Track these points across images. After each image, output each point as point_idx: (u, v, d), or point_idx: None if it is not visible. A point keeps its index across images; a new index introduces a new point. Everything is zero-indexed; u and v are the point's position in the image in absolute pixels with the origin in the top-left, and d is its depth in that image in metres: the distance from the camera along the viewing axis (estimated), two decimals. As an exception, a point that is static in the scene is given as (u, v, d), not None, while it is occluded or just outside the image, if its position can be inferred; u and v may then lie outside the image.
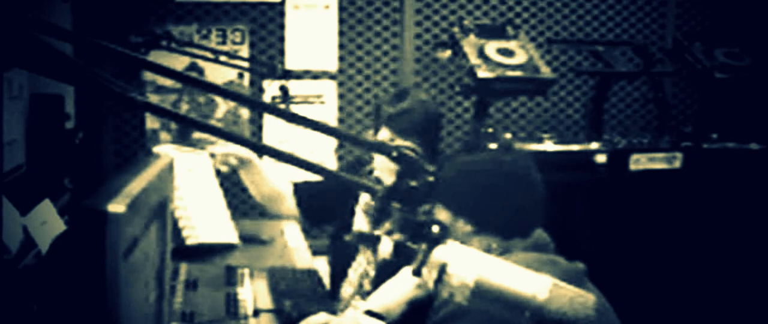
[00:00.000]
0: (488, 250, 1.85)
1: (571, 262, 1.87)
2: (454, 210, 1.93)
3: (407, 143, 2.51)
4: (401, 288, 2.26)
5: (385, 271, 2.37)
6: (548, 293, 1.14)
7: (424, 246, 1.15)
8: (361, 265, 2.61)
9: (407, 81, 4.15)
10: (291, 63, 4.04)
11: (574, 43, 4.38)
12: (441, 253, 1.14)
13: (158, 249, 1.45)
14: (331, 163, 4.12)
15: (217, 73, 3.89)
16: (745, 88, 4.21)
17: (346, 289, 2.66)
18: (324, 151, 4.11)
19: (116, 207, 1.02)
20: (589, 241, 3.71)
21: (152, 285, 1.42)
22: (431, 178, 1.18)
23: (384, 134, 2.63)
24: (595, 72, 4.18)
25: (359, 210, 2.64)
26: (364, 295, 2.51)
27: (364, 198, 2.60)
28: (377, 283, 2.37)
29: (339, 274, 2.80)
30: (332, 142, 4.10)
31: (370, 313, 2.18)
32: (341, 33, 4.12)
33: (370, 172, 2.73)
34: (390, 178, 2.48)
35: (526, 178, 1.95)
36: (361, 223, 2.65)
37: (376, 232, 1.18)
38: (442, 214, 1.95)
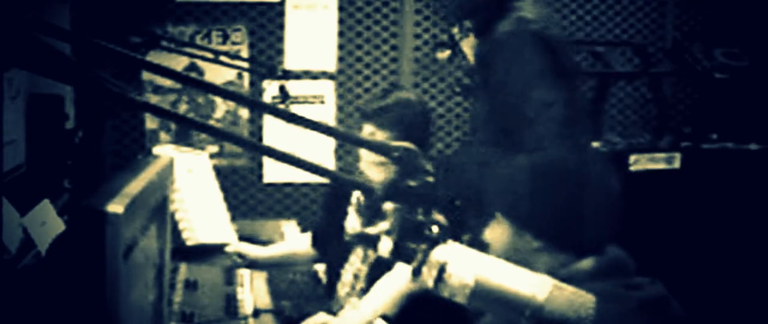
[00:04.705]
0: (553, 272, 1.45)
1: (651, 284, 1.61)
2: (518, 221, 1.61)
3: (406, 144, 2.50)
4: (397, 284, 2.26)
5: (379, 269, 2.38)
6: (548, 293, 1.14)
7: (423, 246, 1.15)
8: (355, 263, 2.61)
9: (407, 81, 4.15)
10: (290, 63, 4.04)
11: (574, 43, 4.38)
12: (441, 253, 1.14)
13: (158, 249, 1.45)
14: (330, 164, 4.12)
15: (216, 74, 3.89)
16: (744, 89, 4.21)
17: (341, 288, 2.67)
18: (323, 152, 4.11)
19: (115, 207, 1.02)
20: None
21: (152, 285, 1.42)
22: (430, 179, 1.18)
23: (367, 130, 2.61)
24: (595, 72, 4.18)
25: (352, 210, 2.64)
26: (359, 293, 2.51)
27: (357, 197, 2.60)
28: (371, 280, 2.37)
29: (332, 273, 2.80)
30: (331, 142, 4.10)
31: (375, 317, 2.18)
32: (340, 33, 4.12)
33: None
34: (377, 173, 2.49)
35: (602, 183, 1.64)
36: (353, 222, 2.65)
37: (374, 232, 1.18)
38: (500, 228, 1.64)
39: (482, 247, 1.59)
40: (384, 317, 2.20)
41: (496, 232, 1.64)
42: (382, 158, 2.49)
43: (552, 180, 1.61)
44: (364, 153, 2.60)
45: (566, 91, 2.35)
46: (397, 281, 2.26)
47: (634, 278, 1.61)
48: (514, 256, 1.30)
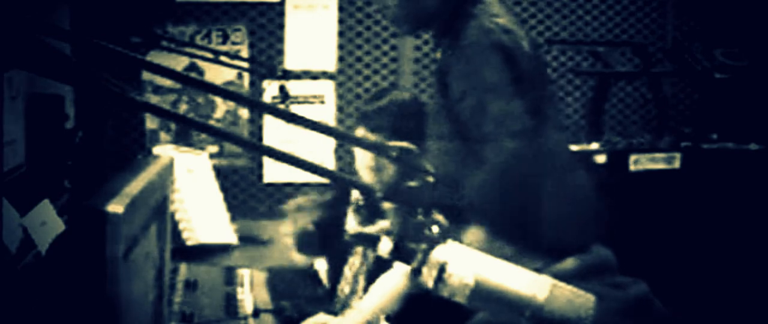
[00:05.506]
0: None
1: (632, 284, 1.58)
2: (489, 226, 1.58)
3: (405, 144, 2.50)
4: (396, 283, 2.26)
5: (379, 268, 2.38)
6: (548, 293, 1.14)
7: (423, 246, 1.15)
8: (355, 263, 2.62)
9: (407, 81, 4.15)
10: (290, 63, 4.04)
11: (574, 43, 4.38)
12: (441, 253, 1.14)
13: (158, 249, 1.45)
14: (331, 164, 4.12)
15: (216, 74, 3.89)
16: (745, 88, 4.21)
17: (342, 288, 2.67)
18: (323, 152, 4.11)
19: (115, 207, 1.02)
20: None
21: (152, 285, 1.42)
22: (430, 179, 1.18)
23: (360, 133, 2.61)
24: (595, 72, 4.18)
25: (350, 209, 2.64)
26: (360, 292, 2.51)
27: (355, 197, 2.60)
28: (371, 280, 2.37)
29: (334, 272, 2.80)
30: (331, 142, 4.10)
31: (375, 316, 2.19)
32: (340, 33, 4.12)
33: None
34: (371, 177, 2.48)
35: (572, 184, 1.61)
36: (351, 221, 2.65)
37: (373, 231, 1.19)
38: (474, 234, 1.59)
39: None
40: (381, 316, 2.21)
41: (471, 238, 1.60)
42: (376, 162, 2.50)
43: (520, 182, 1.58)
44: (358, 156, 2.60)
45: (528, 100, 2.24)
46: (397, 280, 2.27)
47: (616, 277, 1.60)
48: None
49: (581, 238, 1.59)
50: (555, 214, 1.56)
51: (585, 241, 1.59)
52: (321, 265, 2.92)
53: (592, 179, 1.62)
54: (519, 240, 1.55)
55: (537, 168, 1.60)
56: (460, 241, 1.58)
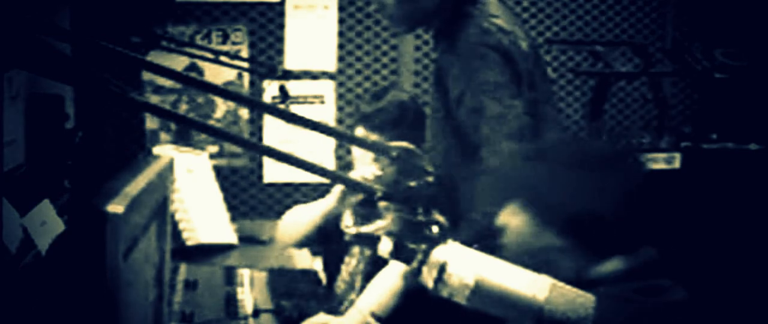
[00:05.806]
0: (580, 273, 1.40)
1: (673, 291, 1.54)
2: (540, 216, 1.51)
3: (405, 144, 2.50)
4: (393, 280, 2.26)
5: (376, 266, 2.38)
6: (548, 293, 1.14)
7: (423, 246, 1.15)
8: (352, 261, 2.62)
9: (407, 81, 4.15)
10: (290, 63, 4.04)
11: (574, 43, 4.38)
12: (441, 253, 1.14)
13: (158, 249, 1.45)
14: (331, 164, 4.12)
15: (216, 74, 3.89)
16: (744, 88, 4.21)
17: (340, 287, 2.67)
18: (323, 152, 4.11)
19: (115, 207, 1.02)
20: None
21: (152, 285, 1.42)
22: (430, 179, 1.18)
23: (359, 133, 2.62)
24: (595, 72, 4.18)
25: (348, 209, 2.64)
26: (357, 291, 2.51)
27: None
28: (368, 278, 2.37)
29: (331, 271, 2.80)
30: (331, 142, 4.10)
31: (374, 316, 2.19)
32: (340, 33, 4.12)
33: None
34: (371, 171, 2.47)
35: (628, 179, 1.60)
36: (347, 220, 2.65)
37: (371, 230, 1.19)
38: (518, 218, 1.52)
39: (494, 235, 1.50)
40: (381, 315, 2.20)
41: (515, 221, 1.53)
42: (375, 162, 2.50)
43: (574, 174, 1.52)
44: (358, 156, 2.61)
45: (524, 100, 2.19)
46: (394, 277, 2.26)
47: (659, 280, 1.56)
48: (536, 252, 1.29)
49: (629, 238, 1.56)
50: (603, 213, 1.52)
51: (633, 241, 1.56)
52: (319, 265, 2.92)
53: (645, 179, 1.61)
54: (566, 236, 1.49)
55: (586, 164, 1.55)
56: (502, 219, 1.54)
